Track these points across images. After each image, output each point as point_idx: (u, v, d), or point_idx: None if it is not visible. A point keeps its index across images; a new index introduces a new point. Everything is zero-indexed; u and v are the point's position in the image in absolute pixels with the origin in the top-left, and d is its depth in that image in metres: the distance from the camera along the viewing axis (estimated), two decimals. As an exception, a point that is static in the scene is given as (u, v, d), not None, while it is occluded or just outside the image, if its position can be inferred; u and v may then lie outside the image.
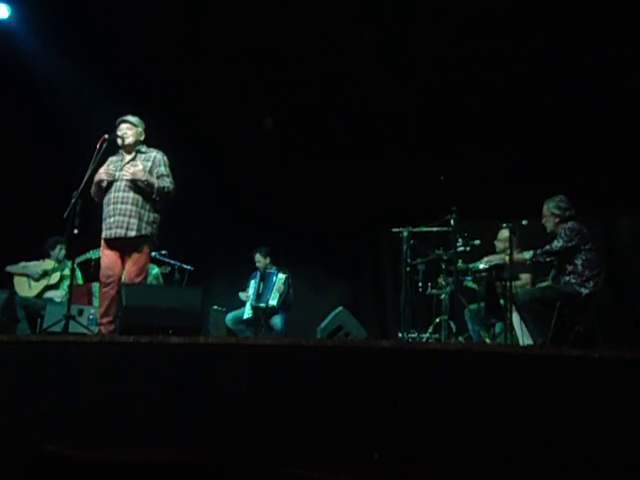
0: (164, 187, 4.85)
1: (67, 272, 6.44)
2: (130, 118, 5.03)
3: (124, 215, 4.77)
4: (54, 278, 6.60)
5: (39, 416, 3.13)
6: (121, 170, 4.90)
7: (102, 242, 4.91)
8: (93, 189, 4.92)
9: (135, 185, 4.82)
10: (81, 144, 5.25)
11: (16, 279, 6.67)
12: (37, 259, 6.76)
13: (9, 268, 6.68)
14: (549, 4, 6.01)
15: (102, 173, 4.87)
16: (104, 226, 4.87)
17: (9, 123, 6.85)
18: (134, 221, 4.77)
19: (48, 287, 6.61)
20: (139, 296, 4.34)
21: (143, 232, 4.80)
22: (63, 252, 6.69)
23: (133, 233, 4.77)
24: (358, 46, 6.63)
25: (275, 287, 7.00)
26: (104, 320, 4.78)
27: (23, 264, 6.72)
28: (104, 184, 4.87)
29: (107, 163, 4.98)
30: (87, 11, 6.63)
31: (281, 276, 7.06)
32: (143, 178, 4.79)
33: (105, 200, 4.90)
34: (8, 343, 3.45)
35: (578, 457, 2.53)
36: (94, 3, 6.55)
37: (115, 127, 5.01)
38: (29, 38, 6.90)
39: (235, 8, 6.43)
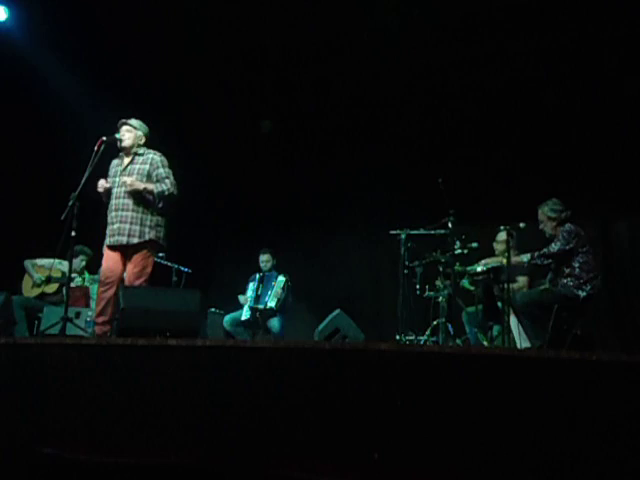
0: (163, 191, 4.81)
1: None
2: (130, 121, 5.02)
3: (125, 222, 4.77)
4: (50, 288, 6.57)
5: (37, 419, 3.12)
6: (119, 176, 4.90)
7: (104, 247, 4.90)
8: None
9: (135, 191, 4.82)
10: (79, 146, 5.25)
11: (26, 275, 6.67)
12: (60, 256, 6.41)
13: (26, 262, 6.66)
14: (546, 6, 6.03)
15: (99, 187, 4.89)
16: (107, 232, 4.87)
17: (7, 125, 6.83)
18: (135, 227, 4.77)
19: (44, 294, 6.56)
20: (137, 298, 4.33)
21: (147, 237, 4.79)
22: (84, 264, 6.65)
23: (135, 240, 4.76)
24: (356, 48, 6.64)
25: (274, 289, 6.98)
26: (99, 319, 4.77)
27: (39, 262, 6.63)
28: (104, 196, 4.91)
29: (110, 167, 5.03)
30: (85, 13, 6.63)
31: (281, 279, 7.03)
32: (141, 187, 4.78)
33: (108, 206, 4.92)
34: (5, 346, 3.44)
35: (575, 459, 2.53)
36: (92, 5, 6.55)
37: (116, 128, 5.01)
38: (27, 40, 6.88)
39: (232, 11, 6.44)
